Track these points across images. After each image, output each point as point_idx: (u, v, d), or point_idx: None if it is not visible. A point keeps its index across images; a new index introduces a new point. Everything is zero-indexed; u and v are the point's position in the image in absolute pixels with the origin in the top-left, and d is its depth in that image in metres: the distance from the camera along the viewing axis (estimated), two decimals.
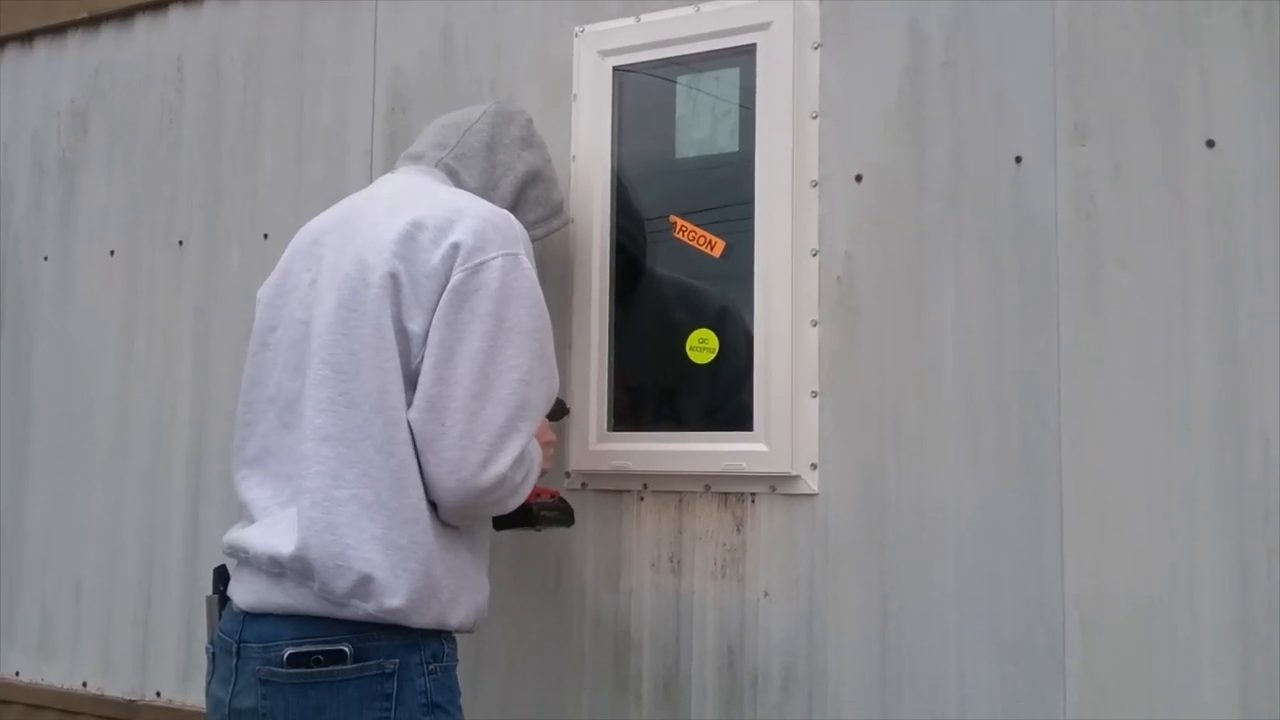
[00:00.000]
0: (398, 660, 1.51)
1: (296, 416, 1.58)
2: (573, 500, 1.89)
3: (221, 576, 1.68)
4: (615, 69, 2.02)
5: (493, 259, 1.55)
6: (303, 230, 1.74)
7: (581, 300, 2.00)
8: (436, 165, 1.77)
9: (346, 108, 2.38)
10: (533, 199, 1.85)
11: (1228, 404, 1.56)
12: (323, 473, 1.51)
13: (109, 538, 2.59)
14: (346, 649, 1.49)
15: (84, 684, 2.60)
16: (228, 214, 2.51)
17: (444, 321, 1.53)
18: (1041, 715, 1.62)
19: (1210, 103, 1.60)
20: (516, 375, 1.54)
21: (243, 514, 1.66)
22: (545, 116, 2.04)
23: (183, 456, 2.50)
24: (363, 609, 1.49)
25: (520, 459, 1.55)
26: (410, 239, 1.55)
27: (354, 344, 1.54)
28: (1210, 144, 1.59)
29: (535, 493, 1.71)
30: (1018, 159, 1.71)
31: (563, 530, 1.87)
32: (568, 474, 2.00)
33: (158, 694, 2.48)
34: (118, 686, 2.55)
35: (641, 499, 1.96)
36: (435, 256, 1.54)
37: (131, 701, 2.50)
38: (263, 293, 1.73)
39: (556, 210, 1.91)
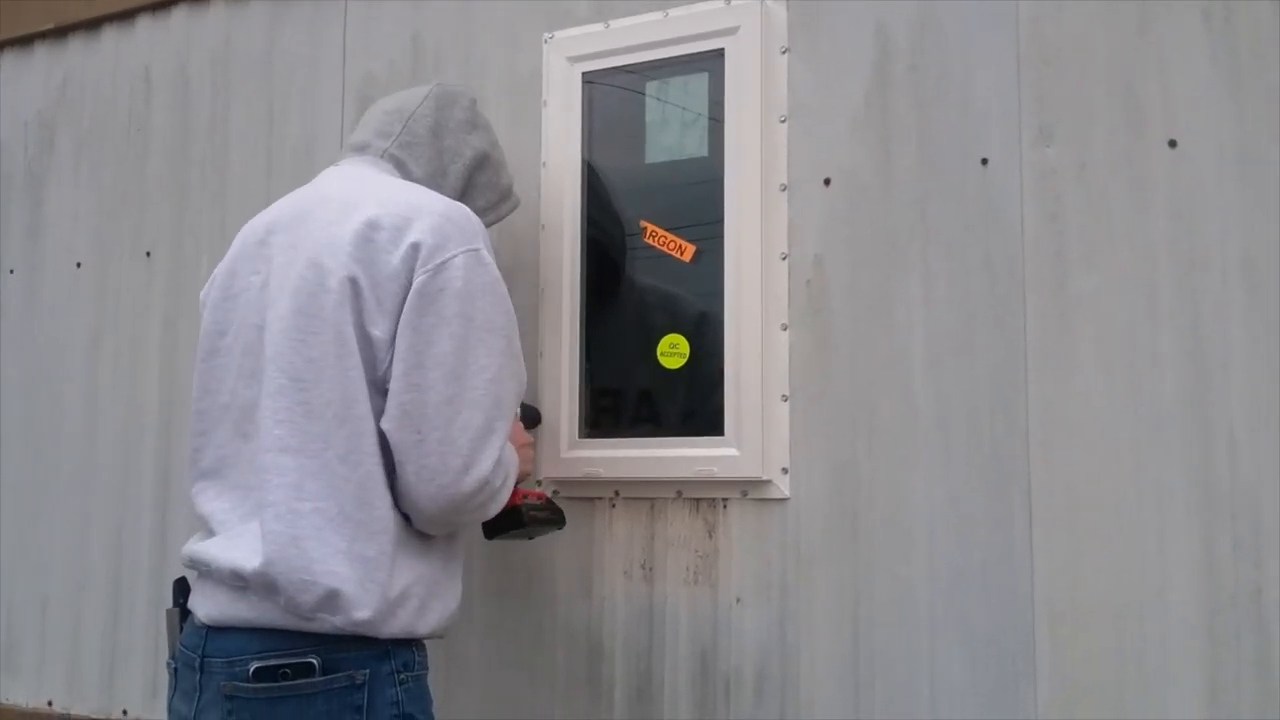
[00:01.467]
0: (368, 671, 1.48)
1: (254, 426, 1.53)
2: None
3: (182, 589, 1.64)
4: (584, 75, 2.02)
5: (454, 257, 1.51)
6: (246, 228, 1.68)
7: (552, 307, 1.99)
8: (382, 156, 1.73)
9: (315, 116, 2.37)
10: (482, 184, 1.81)
11: (1193, 401, 1.56)
12: (284, 484, 1.47)
13: (76, 553, 2.55)
14: (315, 661, 1.45)
15: (49, 703, 2.55)
16: (195, 224, 2.49)
17: (410, 326, 1.49)
18: (1013, 714, 1.62)
19: (1172, 103, 1.61)
20: (488, 375, 1.51)
21: (202, 526, 1.61)
22: (515, 123, 2.04)
23: (151, 469, 2.47)
24: (330, 622, 1.45)
25: (499, 461, 1.53)
26: (367, 240, 1.51)
27: (313, 351, 1.49)
28: (1172, 143, 1.61)
29: (521, 495, 1.70)
30: (984, 161, 1.72)
31: (536, 538, 1.86)
32: (539, 482, 1.98)
33: (124, 712, 2.44)
34: (84, 705, 2.50)
35: (613, 506, 1.95)
36: (395, 258, 1.50)
37: None
38: (207, 294, 1.68)
39: (506, 194, 1.88)
